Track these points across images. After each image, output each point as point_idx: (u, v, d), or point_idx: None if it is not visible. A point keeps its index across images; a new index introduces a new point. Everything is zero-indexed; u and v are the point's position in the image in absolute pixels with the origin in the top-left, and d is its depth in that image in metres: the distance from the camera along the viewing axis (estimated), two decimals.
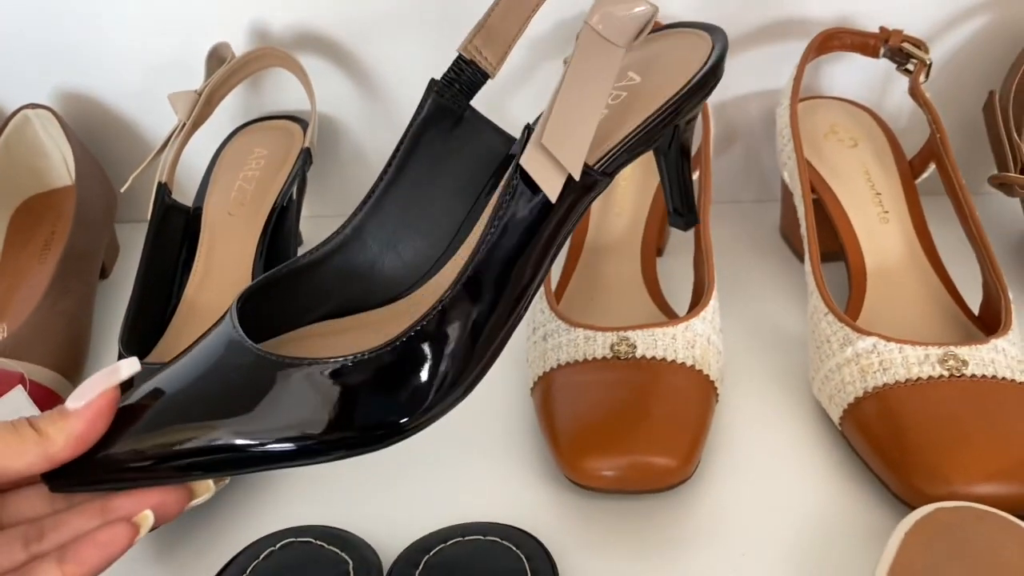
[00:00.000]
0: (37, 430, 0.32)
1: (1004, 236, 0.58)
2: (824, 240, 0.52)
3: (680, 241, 0.56)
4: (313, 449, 0.32)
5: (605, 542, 0.42)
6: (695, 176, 0.54)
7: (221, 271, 0.54)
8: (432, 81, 0.39)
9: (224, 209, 0.56)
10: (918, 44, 0.53)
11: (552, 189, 0.34)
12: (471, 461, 0.46)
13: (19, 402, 0.46)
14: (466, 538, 0.40)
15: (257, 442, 0.32)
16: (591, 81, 0.34)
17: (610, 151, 0.37)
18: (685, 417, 0.42)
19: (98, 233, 0.59)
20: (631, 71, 0.41)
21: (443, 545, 0.40)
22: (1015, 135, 0.51)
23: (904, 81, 0.57)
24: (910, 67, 0.54)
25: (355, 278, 0.39)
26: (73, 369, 0.51)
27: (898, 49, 0.54)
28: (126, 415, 0.33)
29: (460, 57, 0.39)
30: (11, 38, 0.58)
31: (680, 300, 0.51)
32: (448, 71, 0.39)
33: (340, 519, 0.42)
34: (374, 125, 0.62)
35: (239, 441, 0.32)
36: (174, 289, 0.53)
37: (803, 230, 0.50)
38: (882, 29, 0.54)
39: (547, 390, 0.45)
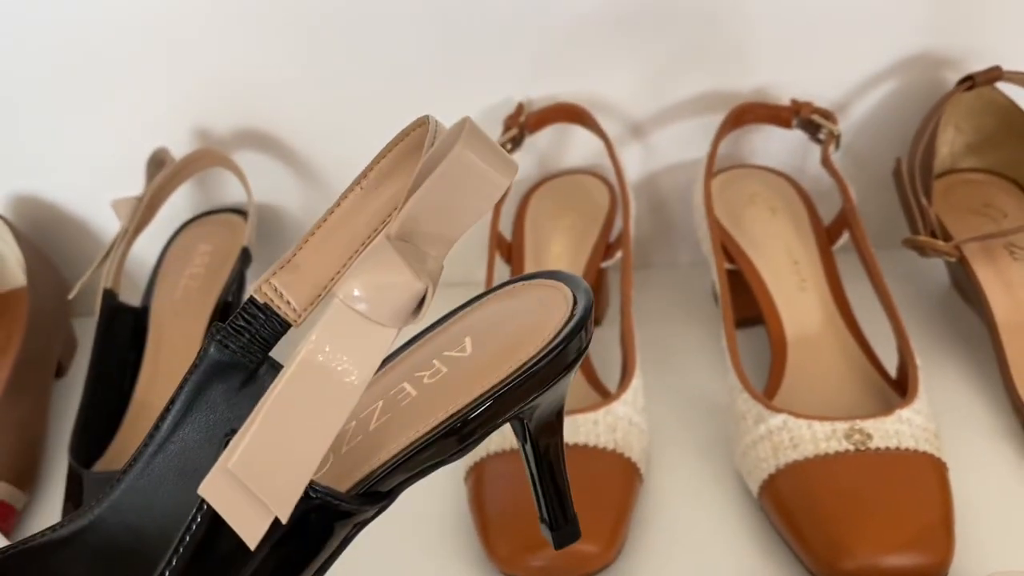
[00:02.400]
0: None
1: (928, 291, 0.60)
2: (748, 306, 0.54)
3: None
4: None
5: None
6: (616, 256, 0.56)
7: (169, 370, 0.55)
8: (215, 327, 0.31)
9: (170, 307, 0.58)
10: (827, 115, 0.55)
11: (250, 533, 0.26)
12: (402, 550, 0.47)
13: None
14: None
15: None
16: (326, 381, 0.25)
17: (384, 464, 0.29)
18: (607, 502, 0.44)
19: (52, 334, 0.60)
20: (468, 335, 0.33)
21: None
22: (923, 199, 0.53)
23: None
24: (821, 137, 0.56)
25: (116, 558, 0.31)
26: (26, 479, 0.53)
27: (808, 120, 0.56)
28: None
29: (251, 300, 0.31)
30: None
31: (617, 370, 0.53)
32: (237, 315, 0.31)
33: None
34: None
35: None
36: (124, 390, 0.55)
37: (720, 305, 0.51)
38: (793, 101, 0.57)
39: (478, 480, 0.46)
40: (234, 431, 0.26)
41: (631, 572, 0.45)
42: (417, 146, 0.30)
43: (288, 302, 0.30)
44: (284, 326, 0.31)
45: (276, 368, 0.31)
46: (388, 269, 0.26)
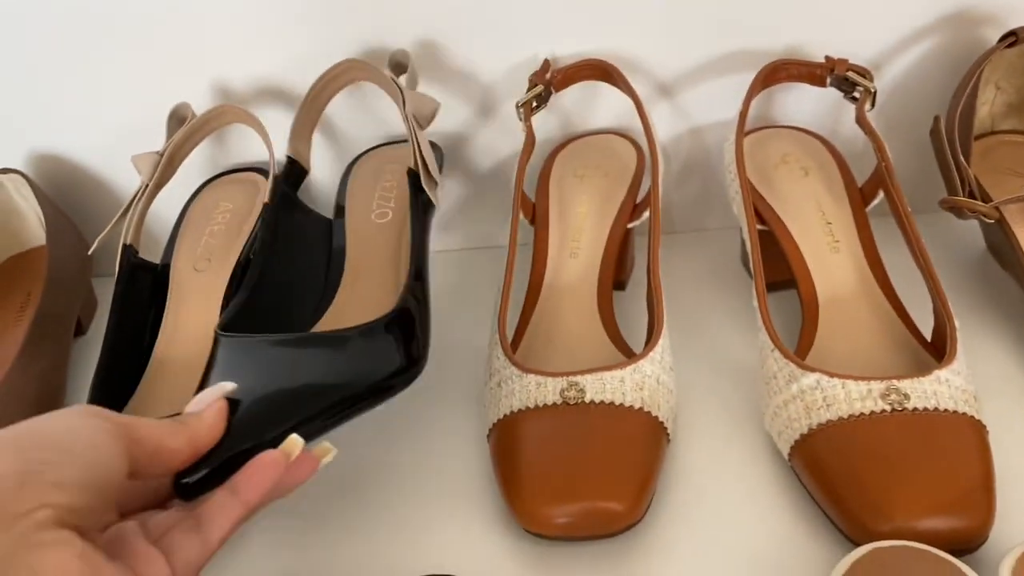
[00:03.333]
0: (183, 422, 0.39)
1: (963, 256, 0.58)
2: (779, 269, 0.53)
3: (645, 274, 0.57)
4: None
5: None
6: (644, 216, 0.55)
7: (190, 327, 0.55)
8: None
9: (191, 265, 0.57)
10: (863, 72, 0.54)
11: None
12: (424, 510, 0.47)
13: None
14: None
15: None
16: None
17: None
18: (633, 461, 0.43)
19: (72, 292, 0.60)
20: None
21: None
22: (961, 159, 0.51)
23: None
24: (856, 95, 0.54)
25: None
26: None
27: (843, 78, 0.54)
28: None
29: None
30: None
31: (643, 335, 0.52)
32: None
33: (285, 570, 0.43)
34: (334, 172, 0.63)
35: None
36: (144, 347, 0.54)
37: (751, 265, 0.50)
38: (827, 59, 0.55)
39: (500, 438, 0.46)
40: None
41: (658, 532, 0.44)
42: None
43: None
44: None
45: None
46: None
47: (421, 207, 0.52)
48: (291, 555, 0.45)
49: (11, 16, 0.56)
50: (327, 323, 0.52)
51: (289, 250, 0.53)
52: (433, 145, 0.59)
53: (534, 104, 0.57)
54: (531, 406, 0.45)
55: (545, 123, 0.61)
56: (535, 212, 0.58)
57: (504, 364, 0.47)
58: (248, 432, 0.40)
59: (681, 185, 0.64)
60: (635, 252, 0.60)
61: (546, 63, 0.57)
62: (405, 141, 0.61)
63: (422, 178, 0.52)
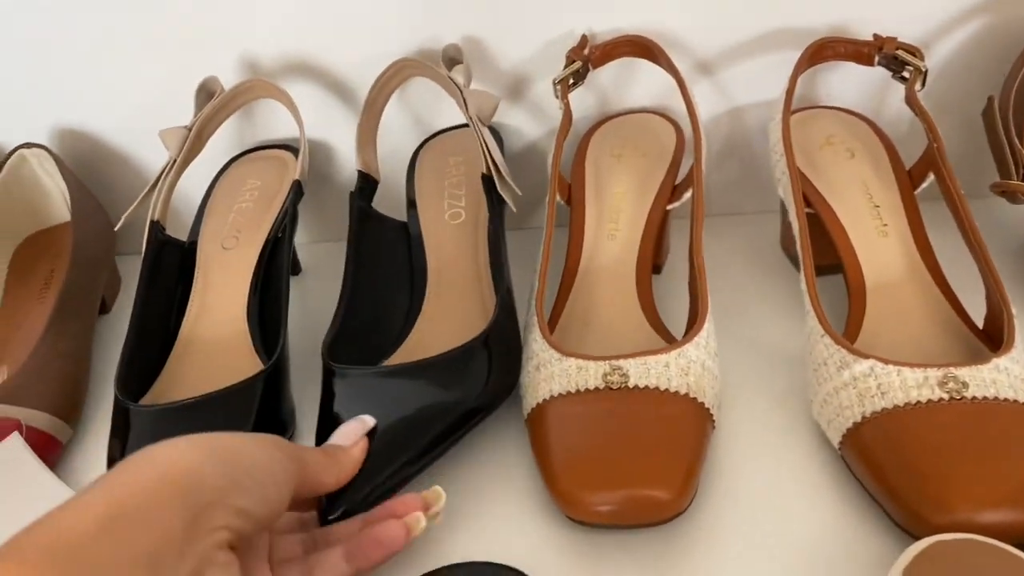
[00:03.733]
0: (334, 457, 0.41)
1: (1013, 241, 0.57)
2: (824, 253, 0.51)
3: (681, 258, 0.55)
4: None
5: None
6: (684, 197, 0.53)
7: (217, 306, 0.54)
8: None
9: (218, 242, 0.56)
10: (913, 51, 0.52)
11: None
12: (461, 495, 0.46)
13: (16, 449, 0.46)
14: None
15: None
16: None
17: None
18: (680, 448, 0.42)
19: (96, 270, 0.59)
20: None
21: None
22: (1016, 141, 0.49)
23: (903, 88, 0.56)
24: (906, 75, 0.52)
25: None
26: (71, 412, 0.52)
27: (892, 57, 0.52)
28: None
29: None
30: (4, 78, 0.59)
31: (681, 320, 0.50)
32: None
33: None
34: None
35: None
36: (170, 326, 0.53)
37: (798, 248, 0.49)
38: (876, 37, 0.53)
39: (540, 422, 0.44)
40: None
41: (703, 521, 0.43)
42: None
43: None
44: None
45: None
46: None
47: (498, 211, 0.52)
48: None
49: None
50: (419, 336, 0.52)
51: (374, 264, 0.53)
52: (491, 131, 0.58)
53: (571, 81, 0.55)
54: (572, 390, 0.44)
55: (581, 100, 0.59)
56: (570, 192, 0.56)
57: (543, 347, 0.46)
58: (378, 465, 0.43)
59: (719, 167, 0.62)
60: (669, 236, 0.58)
61: (584, 39, 0.56)
62: (456, 128, 0.60)
63: (497, 184, 0.51)
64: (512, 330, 0.48)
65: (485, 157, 0.51)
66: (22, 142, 0.60)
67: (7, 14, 0.56)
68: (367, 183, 0.57)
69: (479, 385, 0.45)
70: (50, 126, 0.61)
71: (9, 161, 0.59)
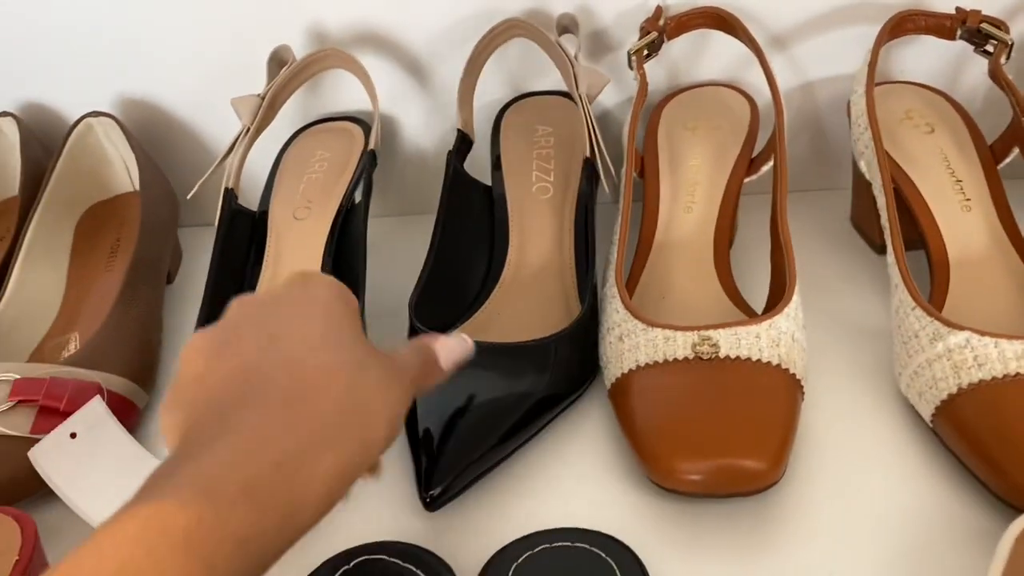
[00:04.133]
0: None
1: None
2: (903, 229, 0.50)
3: (748, 233, 0.55)
4: None
5: (692, 546, 0.41)
6: (768, 165, 0.53)
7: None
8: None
9: (290, 212, 0.56)
10: (998, 24, 0.51)
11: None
12: (548, 466, 0.45)
13: (98, 413, 0.46)
14: (553, 545, 0.39)
15: None
16: None
17: None
18: (773, 418, 0.41)
19: (164, 239, 0.59)
20: None
21: (530, 552, 0.39)
22: None
23: (978, 63, 0.55)
24: (989, 48, 0.52)
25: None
26: (146, 376, 0.51)
27: (976, 30, 0.52)
28: None
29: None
30: (72, 46, 0.58)
31: (751, 292, 0.50)
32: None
33: (414, 533, 0.42)
34: (431, 122, 0.61)
35: None
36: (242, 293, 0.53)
37: (884, 221, 0.48)
38: (958, 10, 0.53)
39: (626, 392, 0.44)
40: None
41: (794, 492, 0.42)
42: None
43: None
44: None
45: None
46: None
47: (593, 197, 0.52)
48: (404, 516, 0.44)
49: None
50: (495, 306, 0.52)
51: (461, 226, 0.53)
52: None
53: (645, 52, 0.55)
54: (659, 360, 0.44)
55: (651, 73, 0.58)
56: (643, 164, 0.56)
57: (625, 317, 0.46)
58: (479, 437, 0.43)
59: (789, 143, 0.61)
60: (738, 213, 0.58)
61: (658, 9, 0.55)
62: (539, 94, 0.59)
63: (601, 174, 0.51)
64: (596, 318, 0.49)
65: (592, 141, 0.51)
66: (89, 111, 0.59)
67: None
68: (464, 143, 0.56)
69: (566, 369, 0.46)
70: (115, 95, 0.61)
71: (76, 130, 0.59)
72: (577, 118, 0.56)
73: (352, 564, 0.40)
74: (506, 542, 0.40)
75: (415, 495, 0.43)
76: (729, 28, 0.55)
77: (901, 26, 0.53)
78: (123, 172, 0.61)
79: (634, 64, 0.54)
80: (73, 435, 0.44)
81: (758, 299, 0.50)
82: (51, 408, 0.45)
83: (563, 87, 0.58)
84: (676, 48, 0.58)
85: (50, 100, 0.61)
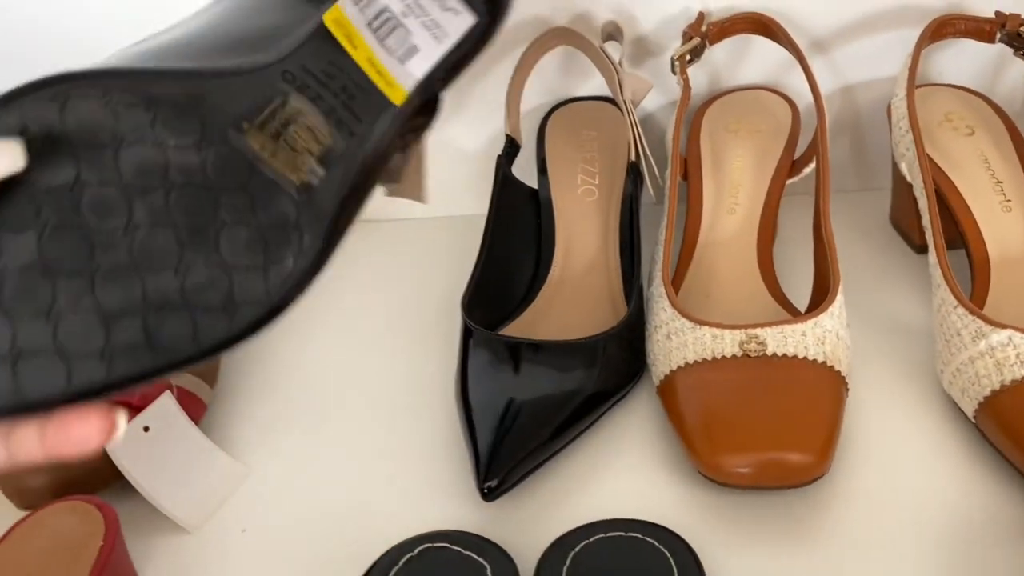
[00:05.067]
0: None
1: None
2: (943, 228, 0.51)
3: (789, 231, 0.56)
4: None
5: (742, 536, 0.43)
6: (810, 167, 0.54)
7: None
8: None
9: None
10: None
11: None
12: (598, 459, 0.47)
13: (168, 409, 0.48)
14: (609, 535, 0.41)
15: None
16: None
17: None
18: (819, 414, 0.43)
19: None
20: None
21: (587, 541, 0.41)
22: None
23: (1017, 65, 0.56)
24: None
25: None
26: (211, 374, 0.54)
27: (1016, 34, 0.53)
28: None
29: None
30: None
31: (794, 290, 0.52)
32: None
33: (472, 522, 0.44)
34: (479, 127, 0.63)
35: None
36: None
37: (925, 222, 0.49)
38: (998, 14, 0.54)
39: (675, 389, 0.46)
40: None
41: (841, 485, 0.44)
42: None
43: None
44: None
45: None
46: None
47: (639, 201, 0.54)
48: (464, 505, 0.46)
49: None
50: (544, 303, 0.54)
51: (511, 228, 0.55)
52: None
53: (688, 57, 0.56)
54: (708, 358, 0.45)
55: (693, 77, 0.60)
56: (686, 166, 0.57)
57: (673, 316, 0.47)
58: (532, 432, 0.45)
59: (829, 145, 0.62)
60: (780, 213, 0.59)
61: (701, 15, 0.56)
62: (582, 100, 0.61)
63: (646, 177, 0.53)
64: (642, 317, 0.50)
65: (637, 146, 0.52)
66: None
67: None
68: (513, 147, 0.58)
69: (614, 368, 0.48)
70: None
71: None
72: (620, 122, 0.58)
73: (416, 551, 0.41)
74: (560, 531, 0.42)
75: (473, 487, 0.45)
76: (770, 33, 0.56)
77: (940, 31, 0.54)
78: None
79: (677, 69, 0.56)
80: (146, 429, 0.46)
81: (798, 294, 0.51)
82: (125, 403, 0.47)
83: (604, 92, 0.59)
84: (717, 52, 0.60)
85: None
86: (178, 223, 0.29)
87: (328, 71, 0.30)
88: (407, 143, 0.34)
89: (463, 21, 0.31)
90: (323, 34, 0.31)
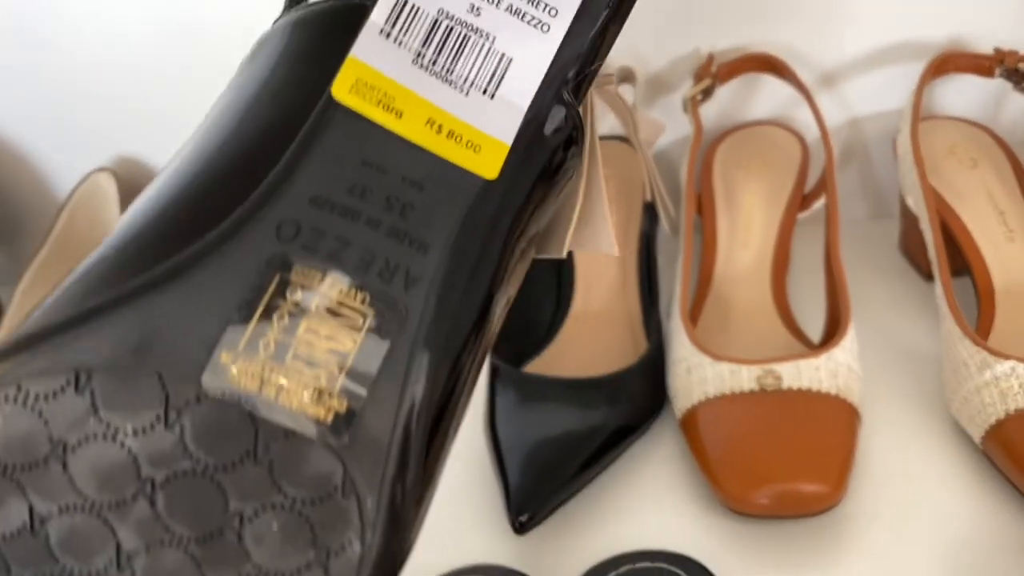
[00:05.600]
0: None
1: None
2: (950, 259, 0.54)
3: (800, 260, 0.58)
4: None
5: (763, 564, 0.45)
6: (820, 202, 0.56)
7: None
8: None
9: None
10: None
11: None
12: (624, 491, 0.49)
13: None
14: (637, 565, 0.43)
15: None
16: None
17: None
18: (834, 445, 0.45)
19: None
20: None
21: (616, 572, 0.43)
22: None
23: (1017, 98, 0.58)
24: None
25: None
26: None
27: (1013, 69, 0.55)
28: None
29: None
30: (169, 103, 0.63)
31: (807, 320, 0.54)
32: None
33: (504, 555, 0.46)
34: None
35: None
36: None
37: (931, 255, 0.51)
38: (996, 51, 0.56)
39: (696, 423, 0.48)
40: None
41: (855, 512, 0.46)
42: None
43: None
44: None
45: None
46: None
47: (655, 239, 0.56)
48: (489, 538, 0.48)
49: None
50: (566, 339, 0.56)
51: (532, 265, 0.56)
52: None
53: (700, 98, 0.58)
54: (726, 392, 0.47)
55: (703, 115, 0.62)
56: (699, 202, 0.59)
57: (692, 351, 0.49)
58: (560, 466, 0.47)
59: (837, 176, 0.64)
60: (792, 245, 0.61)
61: (710, 57, 0.59)
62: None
63: (662, 215, 0.55)
64: (662, 351, 0.53)
65: (653, 188, 0.55)
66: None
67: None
68: None
69: (639, 402, 0.50)
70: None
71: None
72: (634, 160, 0.60)
73: None
74: (590, 563, 0.44)
75: (499, 521, 0.47)
76: (777, 71, 0.58)
77: (942, 67, 0.56)
78: None
79: (689, 109, 0.58)
80: None
81: (810, 322, 0.53)
82: None
83: (618, 131, 0.62)
84: (727, 88, 0.62)
85: (145, 156, 0.66)
86: (182, 535, 0.21)
87: (355, 184, 0.19)
88: (545, 195, 0.22)
89: None
90: (336, 119, 0.19)
